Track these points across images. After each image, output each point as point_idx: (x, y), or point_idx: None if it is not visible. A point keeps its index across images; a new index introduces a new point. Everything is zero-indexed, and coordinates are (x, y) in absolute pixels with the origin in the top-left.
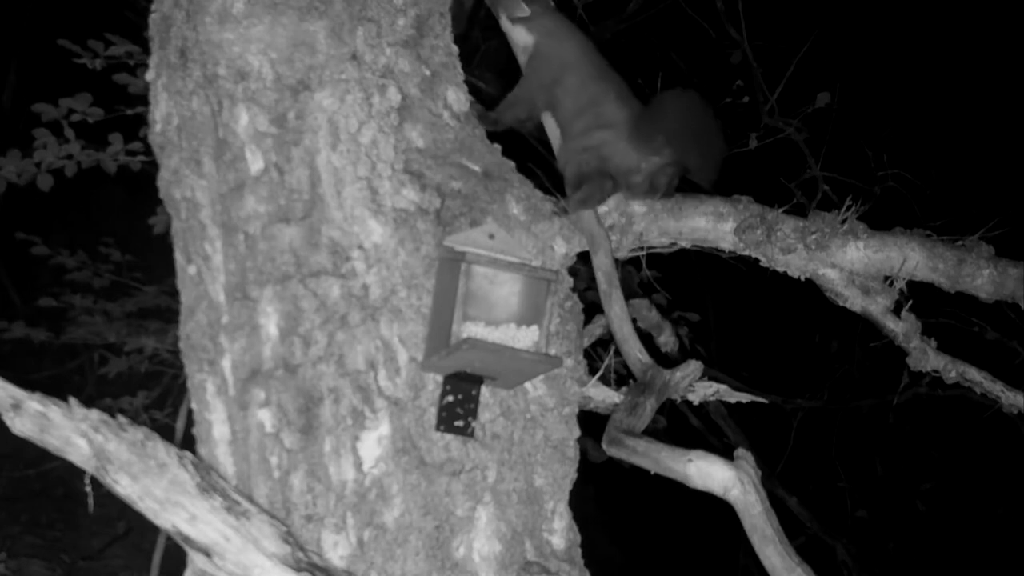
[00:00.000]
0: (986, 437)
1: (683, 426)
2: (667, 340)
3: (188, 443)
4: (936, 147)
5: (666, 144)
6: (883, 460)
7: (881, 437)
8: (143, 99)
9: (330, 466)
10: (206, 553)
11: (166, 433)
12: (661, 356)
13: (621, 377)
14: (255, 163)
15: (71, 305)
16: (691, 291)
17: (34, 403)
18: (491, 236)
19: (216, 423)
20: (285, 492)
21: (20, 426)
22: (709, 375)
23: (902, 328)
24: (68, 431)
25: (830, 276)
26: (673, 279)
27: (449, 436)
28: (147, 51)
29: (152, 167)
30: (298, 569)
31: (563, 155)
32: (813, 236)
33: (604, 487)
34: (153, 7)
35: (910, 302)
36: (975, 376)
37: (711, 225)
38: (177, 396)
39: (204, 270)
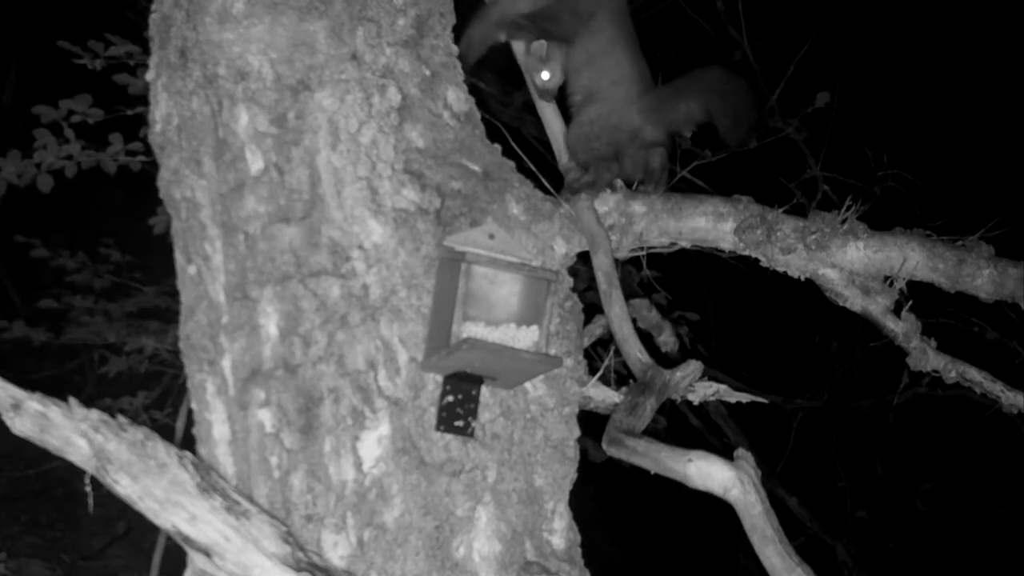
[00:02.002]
0: (986, 437)
1: (683, 426)
2: (667, 340)
3: (188, 443)
4: (936, 147)
5: (692, 102)
6: (883, 460)
7: (881, 437)
8: (143, 99)
9: (330, 466)
10: (206, 553)
11: (166, 433)
12: (661, 356)
13: (621, 377)
14: (255, 163)
15: (71, 306)
16: (691, 291)
17: (34, 403)
18: (491, 236)
19: (216, 423)
20: (285, 492)
21: (20, 426)
22: (709, 375)
23: (902, 328)
24: (68, 431)
25: (830, 276)
26: (673, 279)
27: (449, 436)
28: (147, 51)
29: (152, 167)
30: (298, 569)
31: (574, 127)
32: (813, 236)
33: (604, 487)
34: (153, 7)
35: (910, 302)
36: (975, 376)
37: (711, 225)
38: (177, 396)
39: (204, 270)
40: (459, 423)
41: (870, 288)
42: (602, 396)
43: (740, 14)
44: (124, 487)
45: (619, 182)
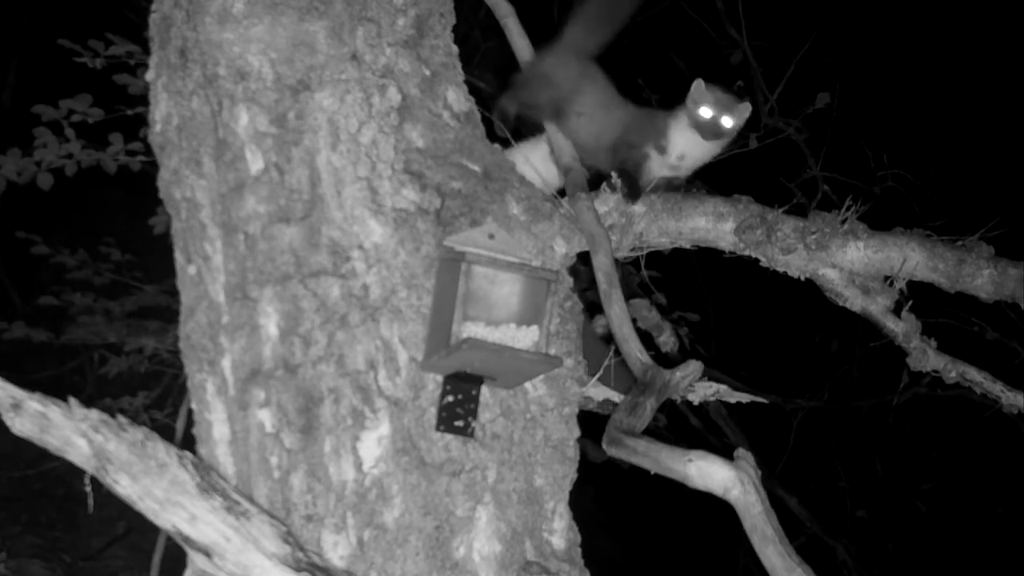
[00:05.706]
0: (986, 437)
1: (683, 426)
2: (667, 340)
3: (188, 443)
4: (936, 147)
5: None
6: (883, 460)
7: (881, 437)
8: (143, 99)
9: (330, 466)
10: (206, 553)
11: (166, 433)
12: (661, 356)
13: None
14: (255, 163)
15: (71, 303)
16: (691, 291)
17: (34, 403)
18: (491, 236)
19: (216, 423)
20: (285, 492)
21: (20, 426)
22: (709, 375)
23: (902, 328)
24: (68, 431)
25: (830, 276)
26: (673, 279)
27: (449, 436)
28: (147, 51)
29: (152, 167)
30: (298, 569)
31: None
32: (813, 236)
33: (604, 487)
34: (153, 7)
35: (910, 302)
36: (975, 376)
37: (711, 225)
38: (177, 396)
39: (204, 270)
40: (459, 423)
41: (870, 288)
42: (602, 396)
43: (740, 14)
44: (124, 487)
45: (619, 182)
